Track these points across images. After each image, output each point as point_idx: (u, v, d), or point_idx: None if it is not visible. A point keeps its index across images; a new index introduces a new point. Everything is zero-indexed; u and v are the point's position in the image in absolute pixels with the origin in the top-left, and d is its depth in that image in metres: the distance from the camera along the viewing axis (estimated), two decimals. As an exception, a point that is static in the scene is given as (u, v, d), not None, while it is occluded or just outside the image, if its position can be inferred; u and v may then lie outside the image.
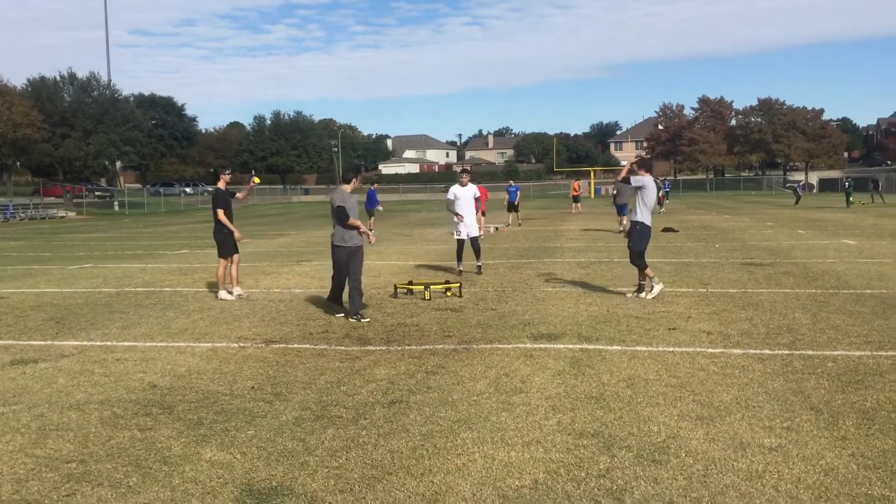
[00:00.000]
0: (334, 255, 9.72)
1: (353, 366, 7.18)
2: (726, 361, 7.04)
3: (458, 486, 4.34)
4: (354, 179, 9.94)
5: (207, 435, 5.30)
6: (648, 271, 10.82)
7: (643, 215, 10.79)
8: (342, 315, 9.72)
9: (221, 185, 11.56)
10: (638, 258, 10.83)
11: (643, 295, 10.71)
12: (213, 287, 11.91)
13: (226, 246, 11.48)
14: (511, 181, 35.10)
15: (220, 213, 11.38)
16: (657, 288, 10.69)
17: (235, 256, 11.54)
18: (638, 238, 10.80)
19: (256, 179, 11.61)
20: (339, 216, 9.46)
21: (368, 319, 9.39)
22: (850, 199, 42.09)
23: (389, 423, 5.48)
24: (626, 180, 11.23)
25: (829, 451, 4.76)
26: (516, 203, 29.81)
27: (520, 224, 29.88)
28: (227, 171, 11.86)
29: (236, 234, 11.45)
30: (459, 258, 14.17)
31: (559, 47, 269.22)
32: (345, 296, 9.84)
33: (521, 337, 8.32)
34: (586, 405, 5.79)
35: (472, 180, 14.55)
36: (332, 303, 9.99)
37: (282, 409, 5.84)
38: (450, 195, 14.20)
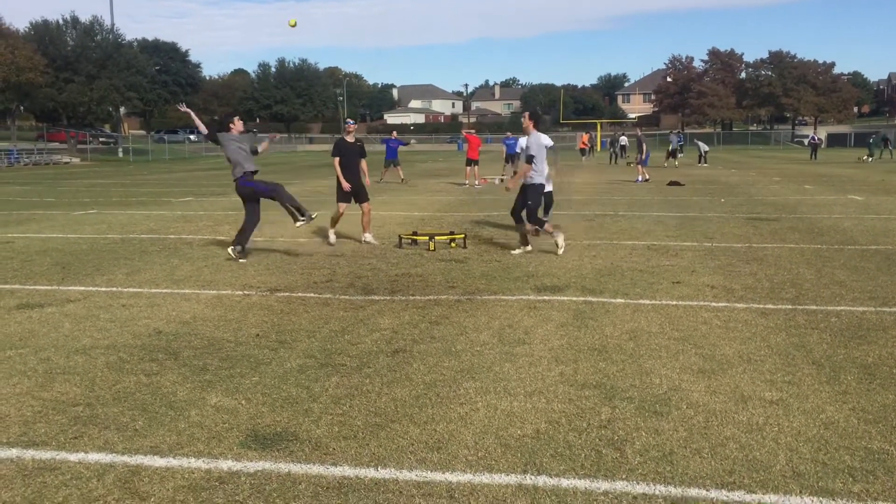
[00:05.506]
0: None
1: (358, 315, 7.20)
2: (729, 315, 7.05)
3: (461, 435, 4.38)
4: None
5: (213, 381, 5.34)
6: (548, 227, 10.67)
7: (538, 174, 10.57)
8: None
9: (349, 137, 11.64)
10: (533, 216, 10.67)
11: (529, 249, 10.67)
12: (218, 234, 11.85)
13: (338, 191, 11.69)
14: (509, 133, 31.39)
15: (335, 160, 11.59)
16: (559, 238, 10.54)
17: (342, 205, 11.68)
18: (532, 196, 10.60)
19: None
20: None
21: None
22: None
23: (393, 371, 5.52)
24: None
25: (829, 405, 4.78)
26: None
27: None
28: (353, 122, 12.06)
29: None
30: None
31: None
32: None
33: (525, 288, 8.33)
34: (589, 357, 5.82)
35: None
36: None
37: (286, 357, 5.88)
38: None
